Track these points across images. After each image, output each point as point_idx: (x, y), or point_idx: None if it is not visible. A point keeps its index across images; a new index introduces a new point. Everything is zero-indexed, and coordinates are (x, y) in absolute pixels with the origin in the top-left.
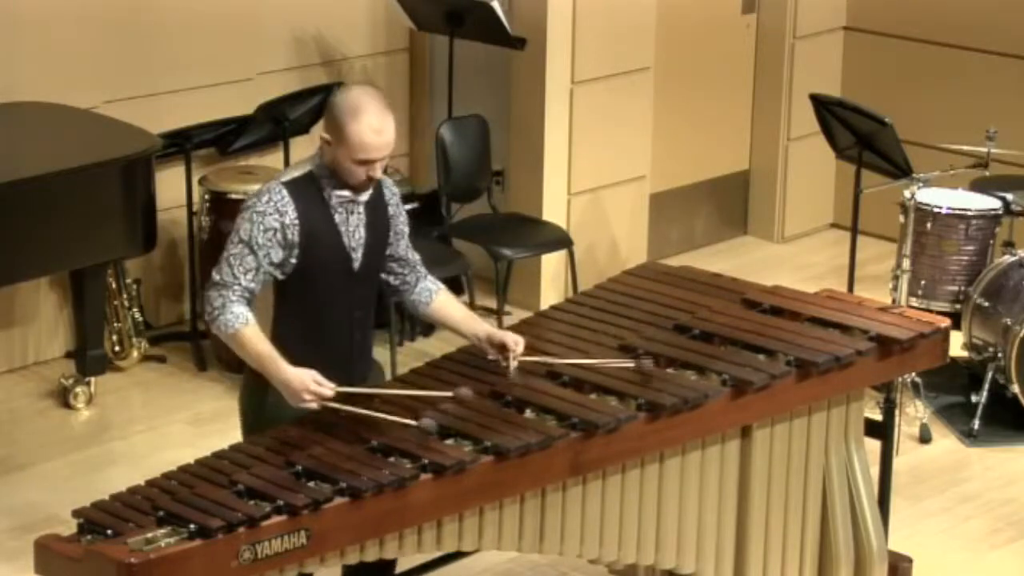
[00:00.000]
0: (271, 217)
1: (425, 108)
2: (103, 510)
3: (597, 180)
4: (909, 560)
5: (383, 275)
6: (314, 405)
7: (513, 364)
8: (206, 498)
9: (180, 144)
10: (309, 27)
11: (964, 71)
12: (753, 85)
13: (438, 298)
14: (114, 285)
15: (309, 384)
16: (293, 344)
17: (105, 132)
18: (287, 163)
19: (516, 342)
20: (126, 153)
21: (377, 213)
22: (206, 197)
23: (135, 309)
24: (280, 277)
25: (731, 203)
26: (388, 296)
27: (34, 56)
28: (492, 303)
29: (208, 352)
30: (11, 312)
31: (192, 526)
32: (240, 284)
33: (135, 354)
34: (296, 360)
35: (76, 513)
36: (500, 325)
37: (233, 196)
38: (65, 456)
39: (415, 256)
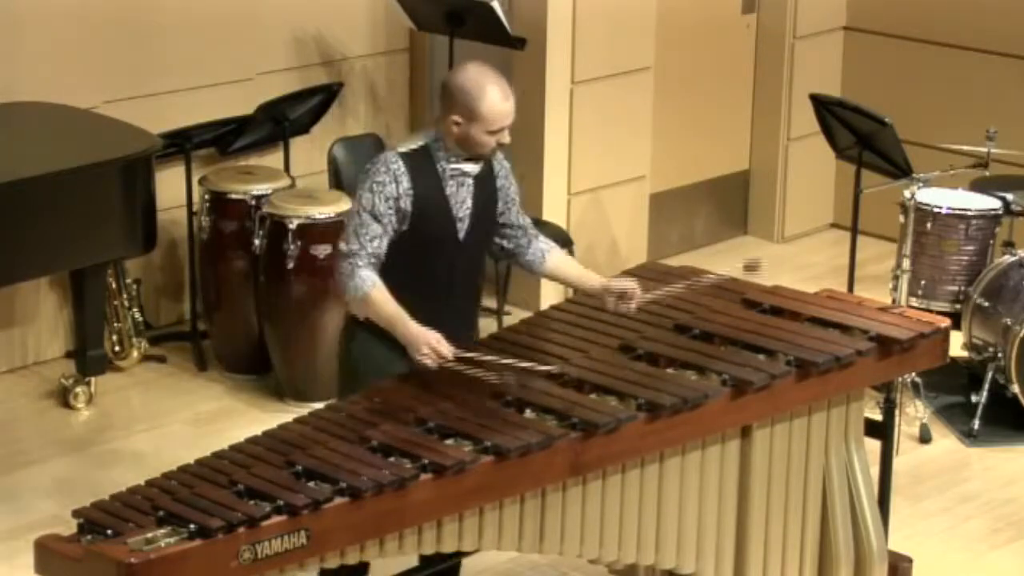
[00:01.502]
0: (390, 186)
1: (425, 108)
2: (103, 510)
3: (597, 180)
4: (909, 560)
5: (498, 240)
6: (430, 362)
7: (633, 307)
8: (206, 498)
9: (180, 144)
10: (309, 27)
11: (964, 71)
12: (753, 85)
13: (551, 257)
14: (114, 285)
15: (432, 341)
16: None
17: (105, 132)
18: (287, 163)
19: (633, 287)
20: (126, 153)
21: (485, 185)
22: (206, 197)
23: (135, 309)
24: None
25: (731, 203)
26: (504, 259)
27: (34, 56)
28: (492, 303)
29: (208, 352)
30: (11, 312)
31: (192, 526)
32: (366, 251)
33: (135, 354)
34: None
35: (76, 513)
36: (500, 325)
37: (233, 196)
38: (65, 456)
39: (526, 220)
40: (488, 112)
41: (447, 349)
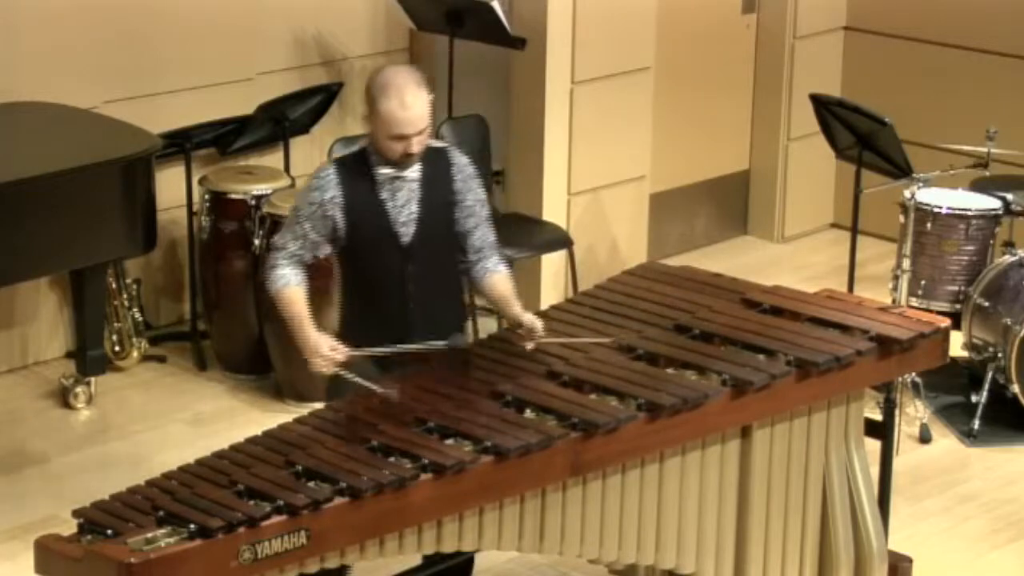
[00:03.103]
0: (315, 192)
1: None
2: (103, 510)
3: (597, 180)
4: (909, 560)
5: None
6: (324, 368)
7: (529, 346)
8: (206, 498)
9: (180, 144)
10: (309, 27)
11: (964, 71)
12: (753, 85)
13: (493, 277)
14: (114, 285)
15: (323, 348)
16: (354, 315)
17: (105, 132)
18: (287, 163)
19: (532, 323)
20: (126, 153)
21: (436, 189)
22: (206, 197)
23: (135, 309)
24: (334, 250)
25: (731, 203)
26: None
27: (34, 56)
28: None
29: (208, 352)
30: (11, 312)
31: (192, 526)
32: (288, 249)
33: (135, 354)
34: (357, 329)
35: (76, 513)
36: (500, 326)
37: (233, 196)
38: (65, 456)
39: (484, 234)
40: (383, 113)
41: (341, 355)
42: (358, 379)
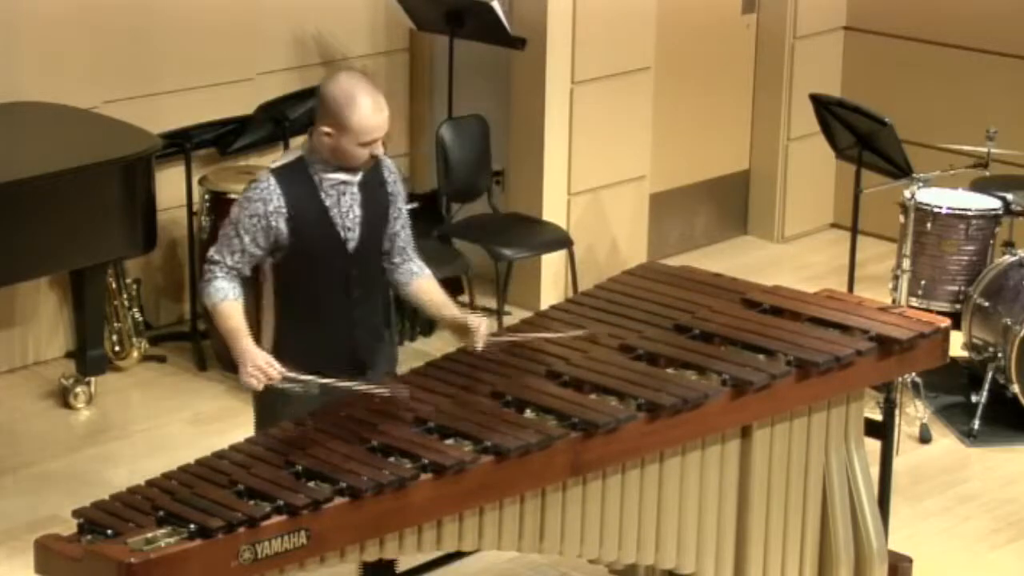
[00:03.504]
0: (257, 204)
1: (425, 108)
2: (103, 510)
3: (597, 180)
4: (909, 560)
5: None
6: (256, 383)
7: (478, 346)
8: (206, 498)
9: (180, 144)
10: (309, 27)
11: (964, 71)
12: (753, 85)
13: (417, 280)
14: (114, 285)
15: (259, 361)
16: (294, 324)
17: (105, 132)
18: None
19: (477, 325)
20: (126, 153)
21: (373, 192)
22: (206, 197)
23: (135, 309)
24: (273, 260)
25: (731, 203)
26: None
27: (34, 56)
28: (492, 303)
29: (208, 352)
30: (11, 312)
31: (192, 526)
32: (226, 263)
33: (135, 354)
34: (298, 339)
35: (76, 513)
36: (500, 326)
37: (233, 196)
38: (65, 456)
39: (408, 235)
40: (358, 124)
41: (275, 371)
42: (303, 384)
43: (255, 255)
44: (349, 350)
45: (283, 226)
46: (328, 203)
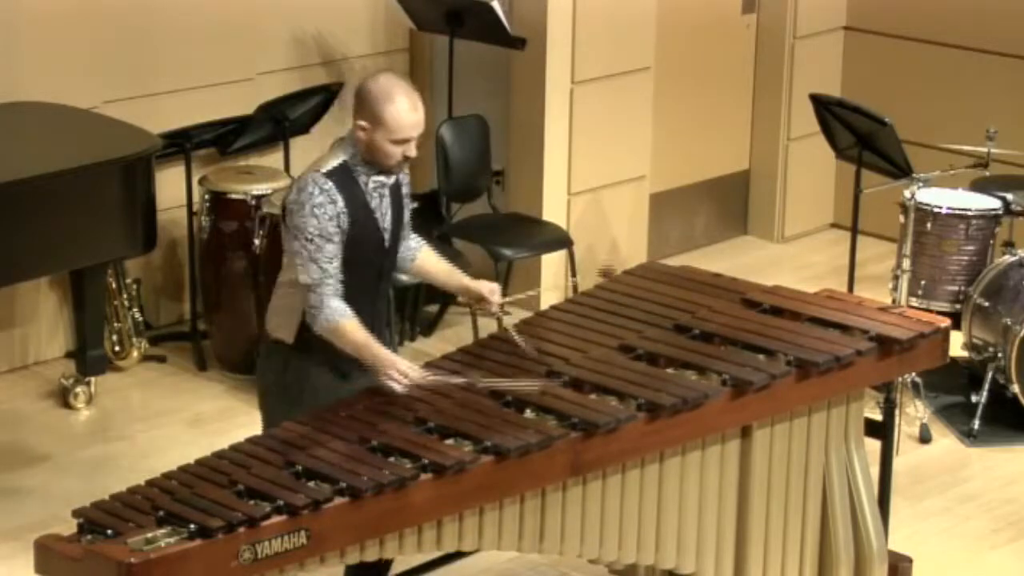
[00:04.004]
0: (328, 206)
1: (425, 108)
2: (103, 510)
3: (597, 180)
4: (909, 560)
5: None
6: (398, 387)
7: (495, 309)
8: (206, 498)
9: (180, 144)
10: (309, 27)
11: (964, 71)
12: (753, 85)
13: (420, 255)
14: (114, 285)
15: (401, 366)
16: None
17: (105, 132)
18: (287, 163)
19: (492, 291)
20: (126, 153)
21: (398, 192)
22: (206, 197)
23: (135, 309)
24: None
25: (731, 203)
26: None
27: (34, 56)
28: None
29: (208, 352)
30: (11, 312)
31: (192, 526)
32: (330, 276)
33: (135, 354)
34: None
35: (76, 513)
36: (500, 326)
37: (233, 196)
38: (65, 456)
39: (409, 218)
40: (392, 119)
41: (417, 374)
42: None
43: (341, 254)
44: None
45: (345, 226)
46: (372, 205)
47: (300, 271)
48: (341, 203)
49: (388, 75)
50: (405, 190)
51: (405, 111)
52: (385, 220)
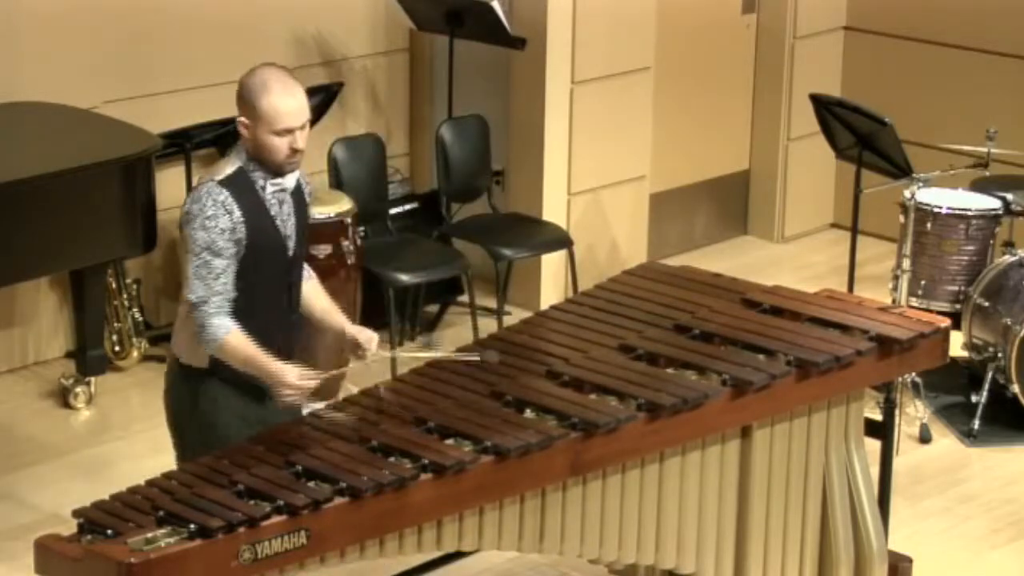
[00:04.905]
0: (222, 218)
1: (425, 108)
2: (103, 510)
3: (597, 180)
4: (909, 560)
5: None
6: (296, 399)
7: (369, 360)
8: (206, 498)
9: (180, 144)
10: (309, 27)
11: (964, 71)
12: (753, 85)
13: (306, 286)
14: (114, 285)
15: (293, 378)
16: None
17: (105, 132)
18: None
19: (369, 339)
20: (126, 153)
21: (300, 199)
22: None
23: (135, 309)
24: None
25: (731, 203)
26: None
27: (34, 56)
28: (492, 303)
29: None
30: (11, 312)
31: (192, 526)
32: (215, 293)
33: (135, 354)
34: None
35: (76, 513)
36: (500, 325)
37: None
38: (65, 456)
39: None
40: (269, 108)
41: (306, 381)
42: (333, 412)
43: (234, 269)
44: (284, 355)
45: (243, 237)
46: (273, 212)
47: (184, 287)
48: (238, 213)
49: (264, 67)
50: (308, 198)
51: (281, 99)
52: (287, 227)
